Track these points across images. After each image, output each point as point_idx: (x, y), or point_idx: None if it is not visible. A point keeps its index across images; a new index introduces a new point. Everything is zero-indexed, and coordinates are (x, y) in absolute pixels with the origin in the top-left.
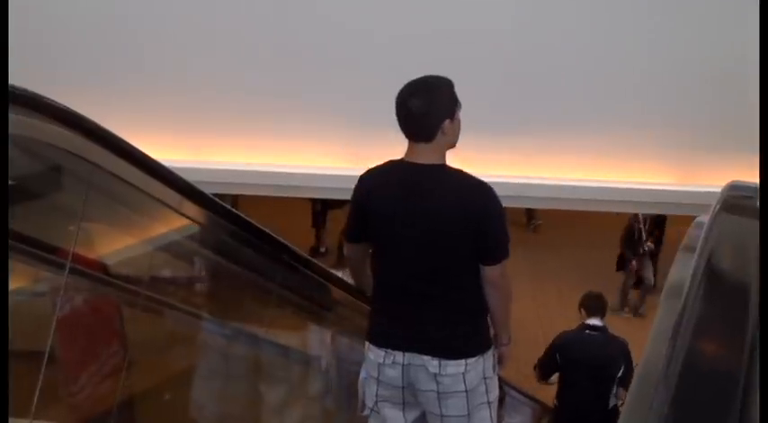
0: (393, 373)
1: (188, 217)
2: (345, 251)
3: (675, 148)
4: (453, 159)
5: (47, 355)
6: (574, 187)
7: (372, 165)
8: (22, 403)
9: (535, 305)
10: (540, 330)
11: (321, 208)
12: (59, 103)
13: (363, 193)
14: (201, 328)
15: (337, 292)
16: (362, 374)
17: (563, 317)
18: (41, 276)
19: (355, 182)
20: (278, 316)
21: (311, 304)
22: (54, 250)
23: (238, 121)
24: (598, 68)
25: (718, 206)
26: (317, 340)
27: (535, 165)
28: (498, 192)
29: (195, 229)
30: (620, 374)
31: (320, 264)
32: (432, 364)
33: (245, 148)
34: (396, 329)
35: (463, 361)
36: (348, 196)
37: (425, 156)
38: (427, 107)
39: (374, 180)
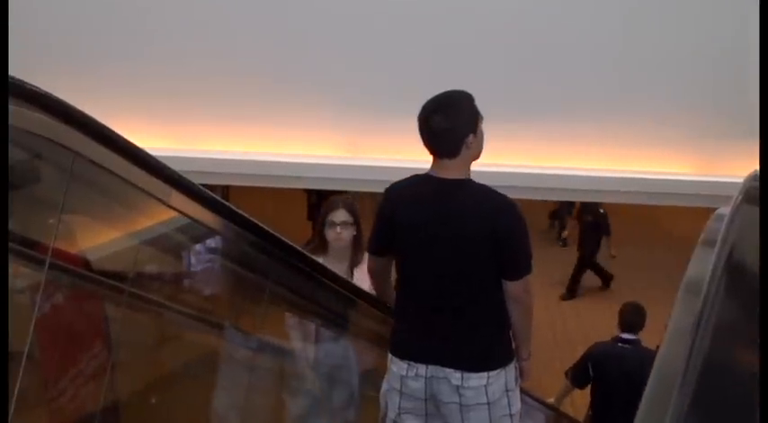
0: (416, 386)
1: (176, 209)
2: (369, 264)
3: (695, 136)
4: None
5: (24, 357)
6: (588, 178)
7: (369, 155)
8: None
9: (546, 305)
10: (550, 333)
11: (317, 200)
12: (39, 88)
13: (389, 207)
14: (190, 326)
15: (330, 287)
16: (384, 386)
17: (576, 319)
18: (19, 272)
19: (352, 172)
20: (270, 311)
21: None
22: (33, 245)
23: (230, 109)
24: (614, 55)
25: (740, 197)
26: (301, 334)
27: (548, 154)
28: (510, 182)
29: (184, 221)
30: None
31: (315, 258)
32: (454, 376)
33: (237, 136)
34: (419, 342)
35: (485, 374)
36: (345, 187)
37: (450, 171)
38: (450, 124)
39: (400, 194)
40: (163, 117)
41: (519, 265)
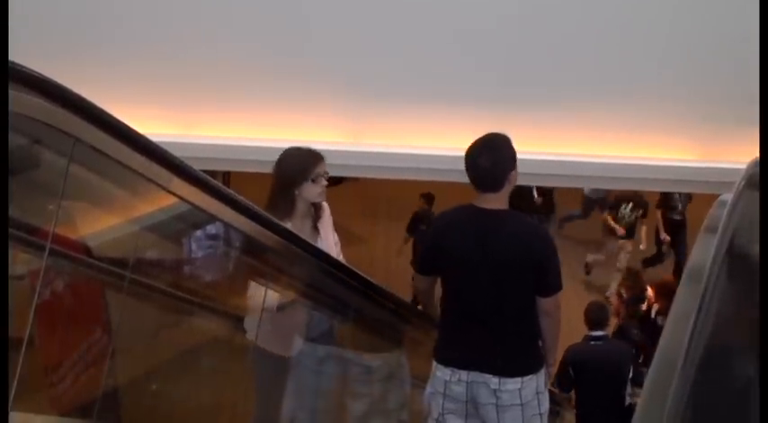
0: (458, 389)
1: (177, 195)
2: (415, 282)
3: (699, 122)
4: (475, 134)
5: (25, 343)
6: (593, 164)
7: (372, 140)
8: None
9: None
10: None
11: None
12: (38, 73)
13: (438, 232)
14: (188, 311)
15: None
16: (428, 389)
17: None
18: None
19: (354, 158)
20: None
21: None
22: (33, 231)
23: (231, 94)
24: (619, 40)
25: (742, 183)
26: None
27: (554, 140)
28: (519, 169)
29: (184, 207)
30: (630, 376)
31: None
32: (492, 381)
33: (238, 122)
34: (461, 351)
35: (519, 379)
36: (347, 173)
37: (493, 203)
38: (495, 163)
39: (448, 222)
40: (163, 103)
41: (551, 285)
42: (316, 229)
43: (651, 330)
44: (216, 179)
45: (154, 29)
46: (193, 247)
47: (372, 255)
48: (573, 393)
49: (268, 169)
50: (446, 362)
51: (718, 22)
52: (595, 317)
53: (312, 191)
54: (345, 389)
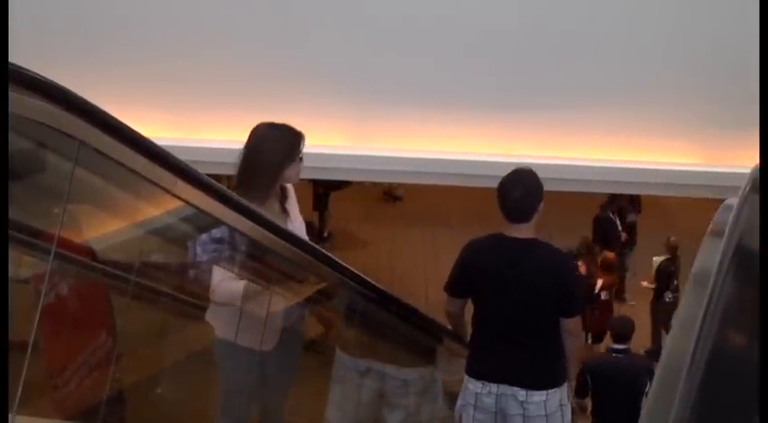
0: (488, 401)
1: (182, 199)
2: (447, 305)
3: (704, 127)
4: (480, 138)
5: (30, 346)
6: (596, 168)
7: (375, 144)
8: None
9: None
10: None
11: (323, 190)
12: (41, 75)
13: (470, 258)
14: (192, 315)
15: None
16: (460, 402)
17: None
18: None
19: (356, 162)
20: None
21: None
22: (38, 234)
23: (234, 98)
24: (621, 45)
25: (747, 187)
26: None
27: (555, 144)
28: None
29: (189, 211)
30: (647, 390)
31: (321, 248)
32: (520, 393)
33: (242, 126)
34: (491, 366)
35: (545, 392)
36: (349, 177)
37: (523, 232)
38: (526, 197)
39: (480, 249)
40: (167, 107)
41: (574, 308)
42: (284, 210)
43: (595, 304)
44: (221, 183)
45: (158, 32)
46: (198, 250)
47: (377, 259)
48: (589, 403)
49: None
50: (477, 375)
51: (720, 27)
52: (620, 331)
53: (295, 171)
54: (384, 400)
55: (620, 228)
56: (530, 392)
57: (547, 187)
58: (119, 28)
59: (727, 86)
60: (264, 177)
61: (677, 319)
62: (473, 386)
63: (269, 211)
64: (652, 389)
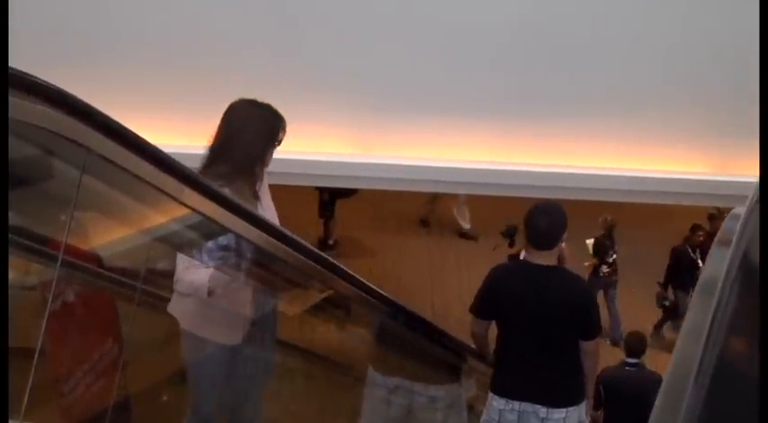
0: (511, 417)
1: (188, 206)
2: (472, 325)
3: (711, 135)
4: (481, 146)
5: (37, 353)
6: (601, 176)
7: (381, 151)
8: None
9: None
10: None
11: (329, 197)
12: (48, 82)
13: (496, 282)
14: None
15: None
16: (484, 417)
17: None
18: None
19: (364, 170)
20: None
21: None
22: (45, 241)
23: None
24: (629, 50)
25: (755, 196)
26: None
27: (562, 152)
28: (524, 181)
29: (195, 218)
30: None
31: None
32: (541, 410)
33: None
34: (514, 384)
35: (564, 409)
36: (357, 185)
37: (545, 259)
38: (551, 226)
39: (505, 274)
40: (173, 114)
41: (592, 331)
42: (256, 195)
43: None
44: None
45: (163, 38)
46: (204, 257)
47: (382, 267)
48: (601, 415)
49: (276, 180)
50: (501, 393)
51: (728, 34)
52: (634, 346)
53: (271, 155)
54: (412, 415)
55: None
56: (550, 410)
57: (552, 195)
58: (125, 35)
59: (736, 97)
60: (240, 158)
61: (685, 326)
62: (497, 403)
63: (238, 195)
64: (658, 398)
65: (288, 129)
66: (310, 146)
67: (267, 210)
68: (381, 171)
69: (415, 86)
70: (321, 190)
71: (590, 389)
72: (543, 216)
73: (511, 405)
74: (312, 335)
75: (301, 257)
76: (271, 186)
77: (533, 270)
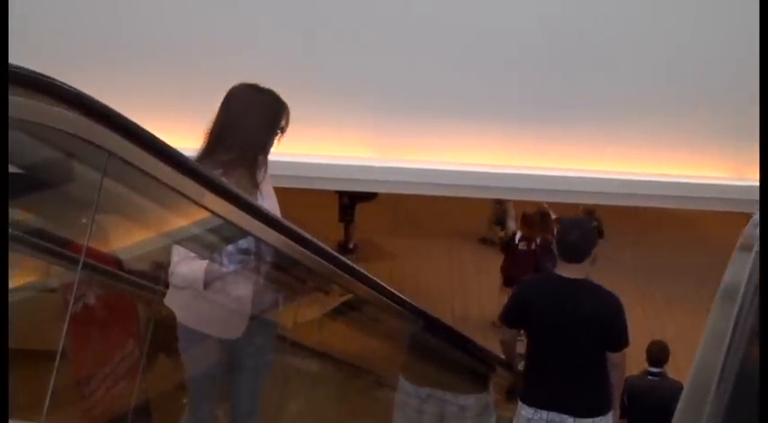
0: None
1: (209, 209)
2: (501, 333)
3: (733, 140)
4: (500, 152)
5: (58, 356)
6: (623, 181)
7: (402, 156)
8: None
9: (644, 312)
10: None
11: (349, 201)
12: (70, 86)
13: (525, 293)
14: None
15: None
16: None
17: (674, 323)
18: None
19: (383, 174)
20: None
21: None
22: (65, 244)
23: None
24: (646, 53)
25: None
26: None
27: (585, 156)
28: (540, 185)
29: (216, 222)
30: None
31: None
32: (568, 420)
33: None
34: (543, 394)
35: (591, 419)
36: (376, 188)
37: (575, 272)
38: (583, 241)
39: (535, 286)
40: (194, 117)
41: (620, 343)
42: (255, 184)
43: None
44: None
45: (183, 41)
46: (224, 261)
47: (402, 271)
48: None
49: (296, 184)
50: (530, 402)
51: (750, 38)
52: (656, 356)
53: (273, 143)
54: None
55: None
56: (578, 419)
57: (572, 200)
58: (145, 38)
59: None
60: (239, 146)
61: (707, 331)
62: (525, 412)
63: (237, 184)
64: (680, 402)
65: (308, 133)
66: (330, 150)
67: (267, 199)
68: (401, 175)
69: (434, 90)
70: (341, 194)
71: (617, 399)
72: (573, 230)
73: (539, 414)
74: (332, 339)
75: (321, 261)
76: (290, 190)
77: (563, 283)
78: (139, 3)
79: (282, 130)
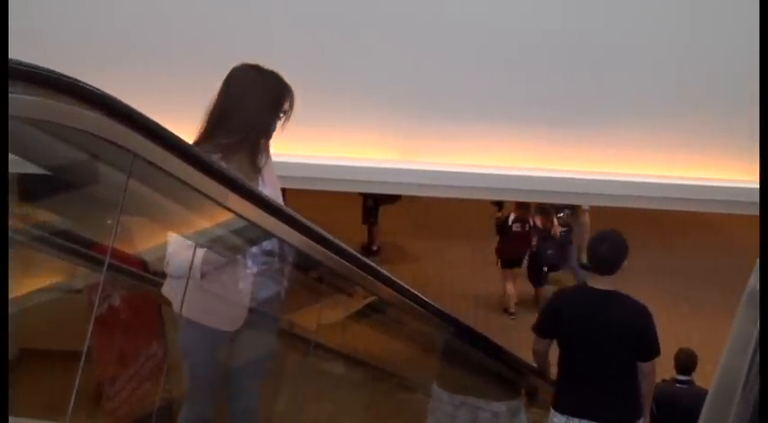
0: None
1: (232, 211)
2: (534, 343)
3: (736, 138)
4: (525, 153)
5: (83, 357)
6: (644, 184)
7: (425, 158)
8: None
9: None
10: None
11: (373, 203)
12: (94, 87)
13: (558, 305)
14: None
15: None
16: None
17: (700, 328)
18: (77, 273)
19: (405, 176)
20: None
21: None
22: (91, 245)
23: None
24: (661, 60)
25: None
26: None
27: (601, 160)
28: (556, 187)
29: (240, 223)
30: None
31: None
32: None
33: (292, 139)
34: (574, 401)
35: None
36: (402, 191)
37: (606, 284)
38: (614, 254)
39: (567, 297)
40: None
41: (650, 353)
42: (256, 169)
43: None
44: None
45: (203, 43)
46: (249, 263)
47: (426, 274)
48: None
49: (318, 186)
50: (562, 409)
51: None
52: (683, 363)
53: (275, 127)
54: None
55: None
56: None
57: (595, 202)
58: (167, 39)
59: None
60: (240, 129)
61: (732, 336)
62: (558, 420)
63: (237, 169)
64: (706, 405)
65: (332, 135)
66: (354, 152)
67: (268, 185)
68: (424, 178)
69: (458, 93)
70: (365, 196)
71: (646, 408)
72: (606, 244)
73: (571, 422)
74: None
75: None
76: (313, 192)
77: (594, 295)
78: (154, 4)
79: (286, 114)
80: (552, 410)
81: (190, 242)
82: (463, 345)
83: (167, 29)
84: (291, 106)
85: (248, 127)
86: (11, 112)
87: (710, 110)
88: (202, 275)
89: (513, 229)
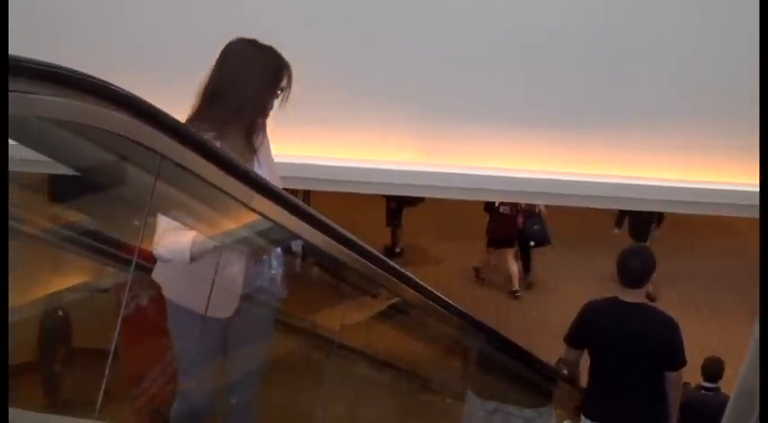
0: None
1: (258, 212)
2: (565, 353)
3: (738, 139)
4: (533, 156)
5: (111, 355)
6: (661, 187)
7: (447, 160)
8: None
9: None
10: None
11: (397, 205)
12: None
13: (588, 317)
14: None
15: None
16: None
17: (720, 333)
18: (105, 272)
19: (429, 179)
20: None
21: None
22: (118, 245)
23: (308, 112)
24: (663, 54)
25: None
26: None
27: (624, 163)
28: (574, 191)
29: (265, 224)
30: None
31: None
32: None
33: (317, 141)
34: (604, 409)
35: None
36: (422, 193)
37: (634, 296)
38: (643, 267)
39: (597, 309)
40: None
41: (677, 363)
42: (251, 149)
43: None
44: (296, 196)
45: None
46: (274, 263)
47: (449, 276)
48: None
49: (343, 188)
50: (592, 417)
51: None
52: (710, 371)
53: (273, 105)
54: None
55: None
56: None
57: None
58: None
59: None
60: (235, 106)
61: (753, 342)
62: None
63: (231, 148)
64: (727, 411)
65: (354, 137)
66: (377, 154)
67: (264, 167)
68: (447, 180)
69: (483, 96)
70: (389, 198)
71: (674, 416)
72: (635, 258)
73: None
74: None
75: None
76: (336, 194)
77: (624, 307)
78: (170, 4)
79: (283, 91)
80: (582, 417)
81: (178, 223)
82: (489, 348)
83: (178, 29)
84: (290, 83)
85: (244, 105)
86: (38, 113)
87: (711, 112)
88: (192, 258)
89: (501, 210)
